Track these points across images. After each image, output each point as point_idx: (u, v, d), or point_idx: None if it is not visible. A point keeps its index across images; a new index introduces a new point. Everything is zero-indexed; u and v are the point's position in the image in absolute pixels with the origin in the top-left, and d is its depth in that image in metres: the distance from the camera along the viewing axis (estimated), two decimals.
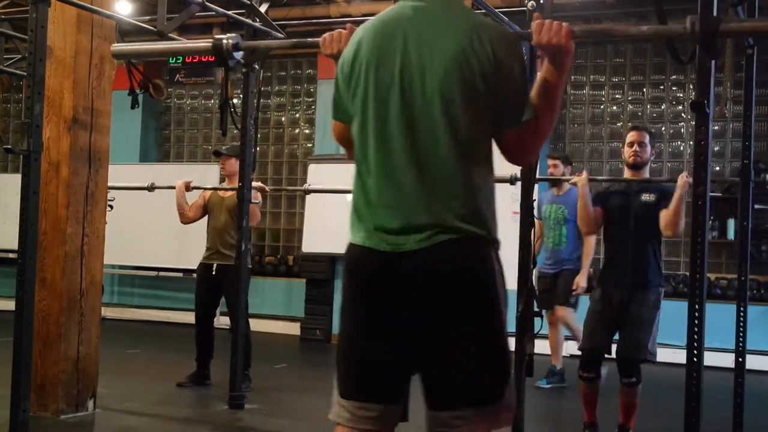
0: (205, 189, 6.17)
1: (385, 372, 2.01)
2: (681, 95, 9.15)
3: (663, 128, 9.06)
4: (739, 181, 4.43)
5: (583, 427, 4.68)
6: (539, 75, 2.10)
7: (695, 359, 3.01)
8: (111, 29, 4.89)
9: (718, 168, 8.67)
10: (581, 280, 6.06)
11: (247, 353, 5.50)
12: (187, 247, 8.62)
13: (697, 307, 3.00)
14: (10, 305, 4.01)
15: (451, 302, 1.95)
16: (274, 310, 9.68)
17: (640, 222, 4.40)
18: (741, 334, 4.19)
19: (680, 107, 9.13)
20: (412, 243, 1.96)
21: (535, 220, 6.26)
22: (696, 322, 3.00)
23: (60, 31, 4.64)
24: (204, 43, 3.14)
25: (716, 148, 8.67)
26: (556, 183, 6.43)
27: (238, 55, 2.92)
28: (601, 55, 9.35)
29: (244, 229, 5.14)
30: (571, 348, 6.63)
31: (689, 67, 6.38)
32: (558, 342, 6.50)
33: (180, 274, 9.73)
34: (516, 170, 3.92)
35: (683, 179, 4.28)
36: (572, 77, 9.25)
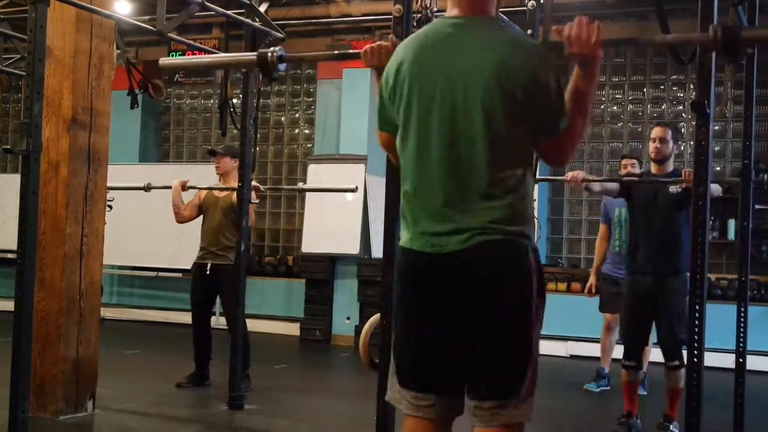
0: (200, 189, 6.15)
1: (433, 364, 2.18)
2: (681, 95, 9.15)
3: None
4: (739, 181, 4.43)
5: (620, 415, 4.84)
6: (570, 83, 2.20)
7: (695, 359, 3.02)
8: (110, 29, 4.88)
9: (718, 168, 8.66)
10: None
11: (246, 353, 5.49)
12: (186, 248, 8.57)
13: (697, 307, 3.01)
14: (9, 305, 4.00)
15: (487, 298, 2.11)
16: (274, 311, 9.66)
17: (669, 210, 4.63)
18: (741, 334, 4.18)
19: (681, 107, 9.13)
20: (454, 244, 2.13)
21: (601, 224, 6.24)
22: (696, 322, 3.01)
23: (59, 30, 4.63)
24: (249, 56, 3.22)
25: (717, 148, 8.67)
26: None
27: (283, 67, 3.00)
28: None
29: (243, 229, 5.13)
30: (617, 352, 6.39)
31: (689, 67, 6.37)
32: (610, 346, 6.40)
33: (179, 275, 9.70)
34: None
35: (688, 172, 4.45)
36: None
